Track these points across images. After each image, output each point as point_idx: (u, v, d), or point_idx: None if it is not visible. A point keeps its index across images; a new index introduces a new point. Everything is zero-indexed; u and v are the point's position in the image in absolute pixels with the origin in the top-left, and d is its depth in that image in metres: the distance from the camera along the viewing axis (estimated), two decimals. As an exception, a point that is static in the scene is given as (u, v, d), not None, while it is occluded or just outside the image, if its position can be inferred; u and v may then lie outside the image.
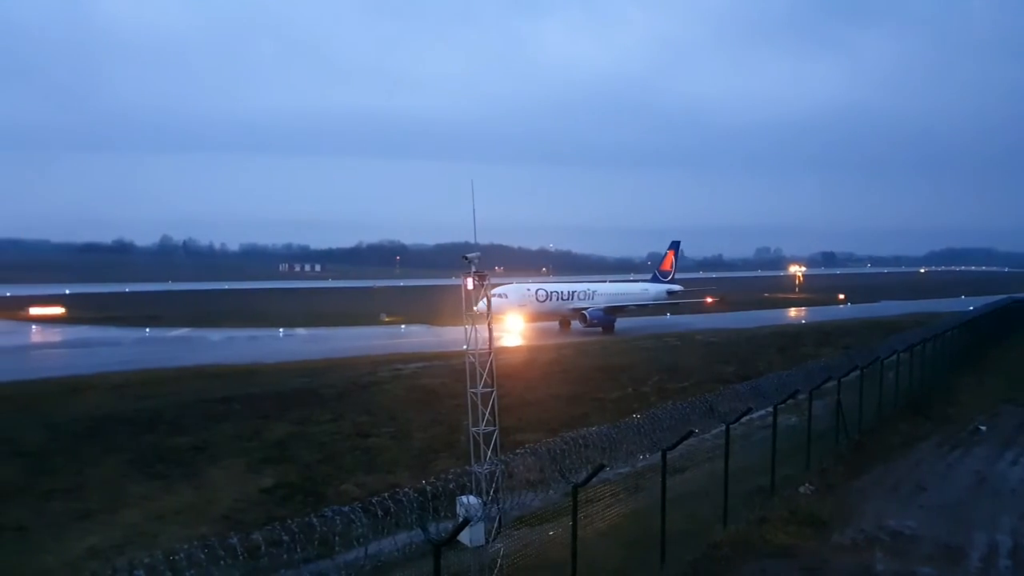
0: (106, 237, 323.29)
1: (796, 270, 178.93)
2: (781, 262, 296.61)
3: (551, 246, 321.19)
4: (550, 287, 78.07)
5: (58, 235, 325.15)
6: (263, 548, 8.39)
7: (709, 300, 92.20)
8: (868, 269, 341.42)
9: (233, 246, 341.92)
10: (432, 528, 10.38)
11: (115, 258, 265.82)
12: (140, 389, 38.85)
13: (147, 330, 73.55)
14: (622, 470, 22.03)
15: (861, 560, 17.01)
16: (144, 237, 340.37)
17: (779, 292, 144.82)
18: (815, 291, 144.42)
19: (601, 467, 14.27)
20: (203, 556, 7.31)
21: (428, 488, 10.38)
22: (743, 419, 20.35)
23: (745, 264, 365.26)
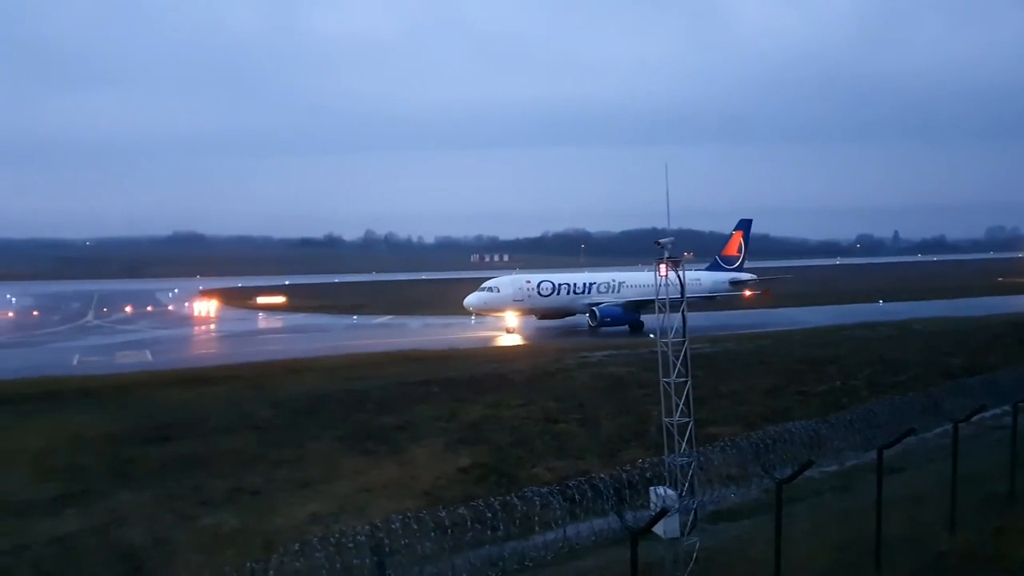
0: (318, 232, 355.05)
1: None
2: (1019, 243, 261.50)
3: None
4: (559, 278, 67.65)
5: (279, 231, 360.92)
6: (469, 523, 8.71)
7: (747, 293, 75.75)
8: None
9: (429, 239, 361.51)
10: (628, 516, 10.23)
11: (326, 251, 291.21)
12: (349, 371, 42.27)
13: (354, 317, 79.90)
14: (829, 468, 20.60)
15: None
16: (351, 231, 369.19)
17: (1018, 277, 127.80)
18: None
19: (808, 464, 13.34)
20: (415, 528, 7.71)
21: (624, 476, 10.24)
22: (973, 418, 18.12)
23: (974, 246, 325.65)
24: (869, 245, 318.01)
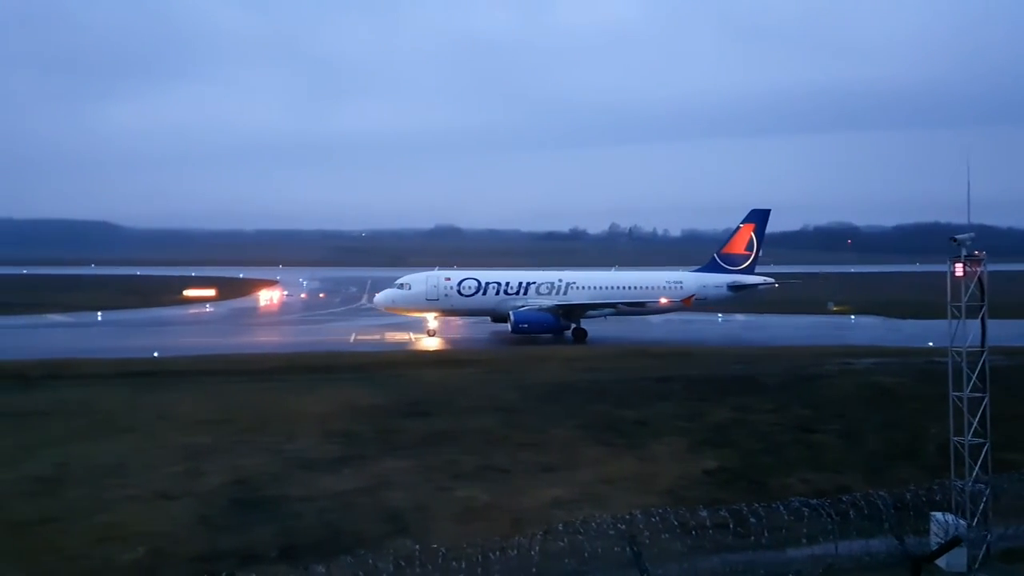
0: (564, 226, 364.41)
1: None
2: None
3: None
4: (488, 276, 58.95)
5: (527, 224, 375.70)
6: (731, 526, 8.25)
7: (685, 302, 59.03)
8: None
9: (675, 232, 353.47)
10: (908, 541, 9.06)
11: (570, 244, 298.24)
12: (589, 363, 42.87)
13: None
14: None
15: None
16: (595, 225, 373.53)
17: None
18: None
19: None
20: (676, 523, 7.46)
21: (908, 496, 9.08)
22: None
23: None
24: None
